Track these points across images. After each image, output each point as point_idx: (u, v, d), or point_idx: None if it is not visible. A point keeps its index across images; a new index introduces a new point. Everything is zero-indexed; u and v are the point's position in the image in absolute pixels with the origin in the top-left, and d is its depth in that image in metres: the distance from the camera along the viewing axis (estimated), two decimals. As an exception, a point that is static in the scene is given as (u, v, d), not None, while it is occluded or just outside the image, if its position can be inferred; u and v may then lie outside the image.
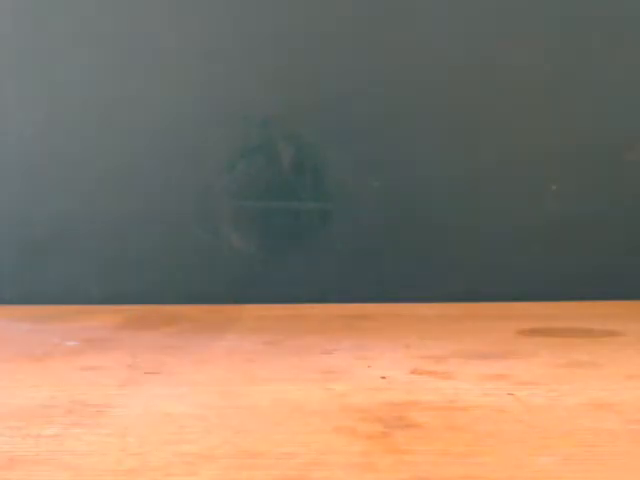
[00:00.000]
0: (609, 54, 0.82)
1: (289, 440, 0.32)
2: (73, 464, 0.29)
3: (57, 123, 0.83)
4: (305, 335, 0.59)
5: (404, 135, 0.83)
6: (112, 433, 0.33)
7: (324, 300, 0.80)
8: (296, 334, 0.60)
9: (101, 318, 0.71)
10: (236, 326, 0.67)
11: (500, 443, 0.31)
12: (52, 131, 0.83)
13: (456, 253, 0.83)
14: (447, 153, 0.83)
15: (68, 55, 0.82)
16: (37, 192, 0.83)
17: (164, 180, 0.83)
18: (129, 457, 0.30)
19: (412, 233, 0.83)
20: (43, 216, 0.83)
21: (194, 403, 0.37)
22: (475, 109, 0.82)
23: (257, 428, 0.34)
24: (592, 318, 0.68)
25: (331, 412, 0.35)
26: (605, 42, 0.82)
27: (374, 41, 0.82)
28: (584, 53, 0.82)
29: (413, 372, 0.46)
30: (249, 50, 0.82)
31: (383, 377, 0.44)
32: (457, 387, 0.42)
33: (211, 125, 0.82)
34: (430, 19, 0.82)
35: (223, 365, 0.48)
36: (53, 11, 0.82)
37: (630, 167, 0.83)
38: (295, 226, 0.82)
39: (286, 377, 0.45)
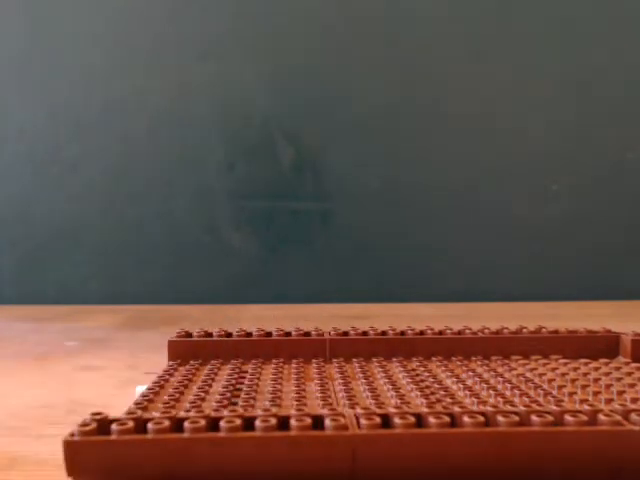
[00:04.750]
0: (609, 55, 0.82)
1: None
2: (73, 464, 0.29)
3: (57, 123, 0.83)
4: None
5: (404, 135, 0.83)
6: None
7: (324, 300, 0.80)
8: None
9: (101, 318, 0.71)
10: (236, 326, 0.67)
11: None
12: (52, 131, 0.83)
13: (456, 253, 0.83)
14: (447, 154, 0.83)
15: (68, 55, 0.82)
16: (37, 192, 0.83)
17: (164, 181, 0.83)
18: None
19: (412, 233, 0.83)
20: (43, 216, 0.83)
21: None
22: (475, 110, 0.82)
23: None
24: (592, 318, 0.68)
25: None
26: (605, 43, 0.82)
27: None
28: (584, 54, 0.82)
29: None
30: (249, 50, 0.82)
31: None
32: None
33: (211, 125, 0.83)
34: (430, 21, 0.82)
35: (223, 365, 0.48)
36: (53, 11, 0.82)
37: (630, 167, 0.83)
38: (295, 226, 0.82)
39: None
